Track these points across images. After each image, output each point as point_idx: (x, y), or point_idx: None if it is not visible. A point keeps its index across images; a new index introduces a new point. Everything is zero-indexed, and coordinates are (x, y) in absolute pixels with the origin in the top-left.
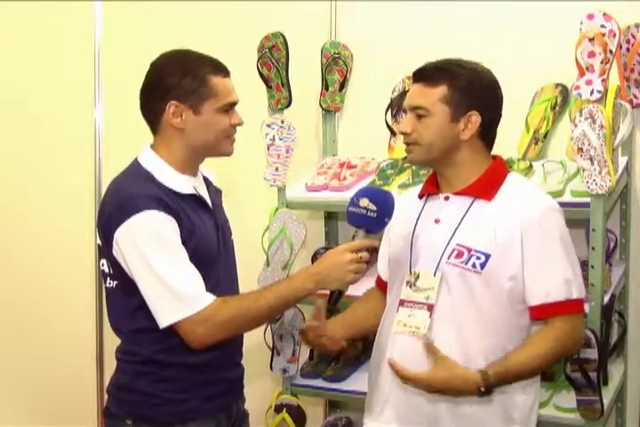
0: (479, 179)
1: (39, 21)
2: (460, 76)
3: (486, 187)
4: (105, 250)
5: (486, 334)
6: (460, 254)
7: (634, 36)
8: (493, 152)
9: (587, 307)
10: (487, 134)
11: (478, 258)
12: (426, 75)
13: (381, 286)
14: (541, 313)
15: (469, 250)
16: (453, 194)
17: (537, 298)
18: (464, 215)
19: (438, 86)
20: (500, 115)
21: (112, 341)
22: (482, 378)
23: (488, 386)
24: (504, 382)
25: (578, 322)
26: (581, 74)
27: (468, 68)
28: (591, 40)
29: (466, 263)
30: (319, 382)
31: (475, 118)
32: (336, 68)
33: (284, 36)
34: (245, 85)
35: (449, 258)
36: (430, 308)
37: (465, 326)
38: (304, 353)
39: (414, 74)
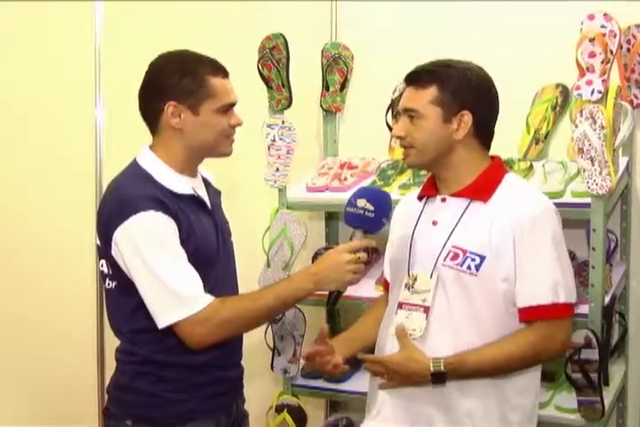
0: (476, 180)
1: (40, 21)
2: (449, 76)
3: (482, 188)
4: (104, 251)
5: (482, 336)
6: (455, 256)
7: (634, 37)
8: (494, 152)
9: (587, 308)
10: (482, 134)
11: (473, 260)
12: (416, 78)
13: (387, 288)
14: (527, 316)
15: (465, 252)
16: (450, 195)
17: (524, 300)
18: (460, 217)
19: (429, 88)
20: (496, 113)
21: (113, 341)
22: (433, 363)
23: (437, 371)
24: (458, 372)
25: (561, 327)
26: (582, 74)
27: (458, 68)
28: (592, 40)
29: (461, 265)
30: (320, 383)
31: (467, 118)
32: (337, 68)
33: (284, 37)
34: (246, 86)
35: (445, 260)
36: (427, 310)
37: (460, 328)
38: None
39: (406, 78)
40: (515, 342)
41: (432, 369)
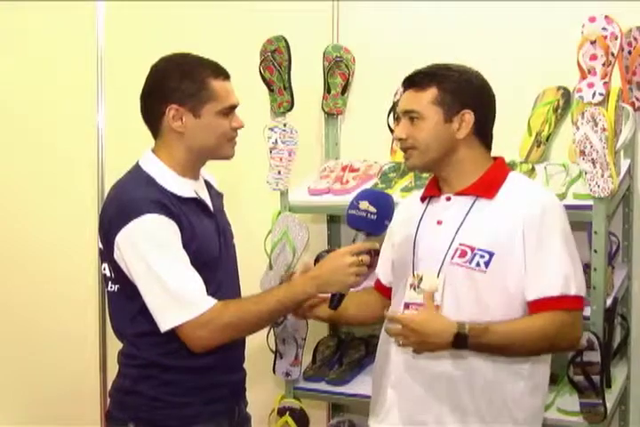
0: (481, 178)
1: (41, 23)
2: (448, 77)
3: (487, 185)
4: (106, 254)
5: None
6: (463, 254)
7: (635, 39)
8: (495, 154)
9: (589, 310)
10: (483, 132)
11: (482, 257)
12: (415, 81)
13: (379, 288)
14: (537, 308)
15: (472, 249)
16: (455, 194)
17: (534, 293)
18: (466, 215)
19: (428, 90)
20: (494, 112)
21: (115, 344)
22: (457, 326)
23: (460, 335)
24: (480, 340)
25: (571, 318)
26: (583, 77)
27: (456, 69)
28: (593, 43)
29: (470, 262)
30: (322, 386)
31: (468, 117)
32: (338, 71)
33: (286, 40)
34: (247, 89)
35: (452, 258)
36: (436, 309)
37: None
38: (307, 356)
39: (404, 82)
40: (532, 321)
41: (456, 330)
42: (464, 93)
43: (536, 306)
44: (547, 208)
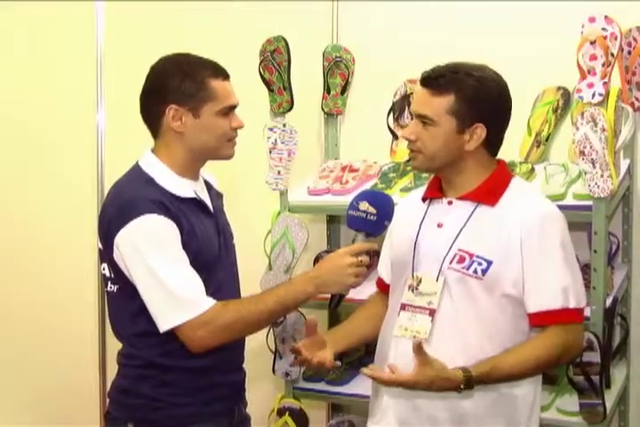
0: (483, 184)
1: (41, 23)
2: (468, 86)
3: (490, 192)
4: (105, 254)
5: (488, 339)
6: (461, 260)
7: (635, 39)
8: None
9: (589, 310)
10: (492, 144)
11: (480, 264)
12: (433, 82)
13: (382, 287)
14: (538, 321)
15: (471, 255)
16: (457, 199)
17: (534, 305)
18: (467, 220)
19: (445, 96)
20: (508, 123)
21: (115, 344)
22: (464, 379)
23: (468, 385)
24: (486, 381)
25: (574, 332)
26: (583, 77)
27: (477, 76)
28: (592, 43)
29: (467, 269)
30: (322, 386)
31: (480, 131)
32: (338, 71)
33: (285, 40)
34: (247, 89)
35: (451, 263)
36: (432, 313)
37: (466, 330)
38: None
39: (422, 78)
40: (537, 347)
41: (463, 386)
42: (480, 106)
43: (537, 318)
44: (547, 219)
